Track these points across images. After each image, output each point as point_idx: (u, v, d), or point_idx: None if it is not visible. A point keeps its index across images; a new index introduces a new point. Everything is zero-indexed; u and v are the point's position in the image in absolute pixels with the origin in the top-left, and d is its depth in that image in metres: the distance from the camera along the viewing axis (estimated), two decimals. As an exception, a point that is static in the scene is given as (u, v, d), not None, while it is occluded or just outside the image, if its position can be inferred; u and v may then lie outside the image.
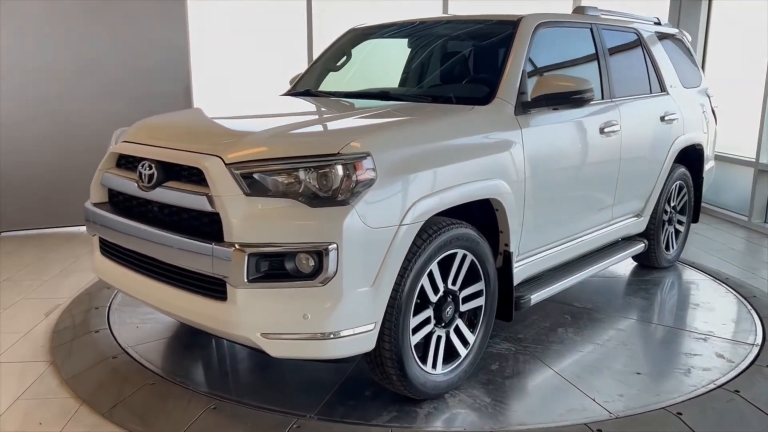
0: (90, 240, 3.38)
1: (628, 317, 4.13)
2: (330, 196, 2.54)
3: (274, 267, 2.55)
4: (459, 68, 3.91)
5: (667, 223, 5.04)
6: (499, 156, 3.16)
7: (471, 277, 3.09)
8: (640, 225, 4.68)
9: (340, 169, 2.54)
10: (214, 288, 2.65)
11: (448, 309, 2.99)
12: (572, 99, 3.29)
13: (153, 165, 2.83)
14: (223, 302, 2.61)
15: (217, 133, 3.03)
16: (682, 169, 5.03)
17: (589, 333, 3.84)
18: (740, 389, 3.14)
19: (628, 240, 4.68)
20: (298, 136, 2.88)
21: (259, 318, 2.57)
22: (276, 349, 2.60)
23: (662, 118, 4.62)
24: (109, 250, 3.20)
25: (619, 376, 3.28)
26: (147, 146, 2.96)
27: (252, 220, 2.53)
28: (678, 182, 5.02)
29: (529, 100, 3.34)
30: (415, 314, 2.84)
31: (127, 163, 3.10)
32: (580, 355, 3.53)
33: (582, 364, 3.41)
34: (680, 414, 2.89)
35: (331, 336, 2.56)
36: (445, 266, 2.94)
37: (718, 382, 3.22)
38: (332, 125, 3.00)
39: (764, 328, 3.93)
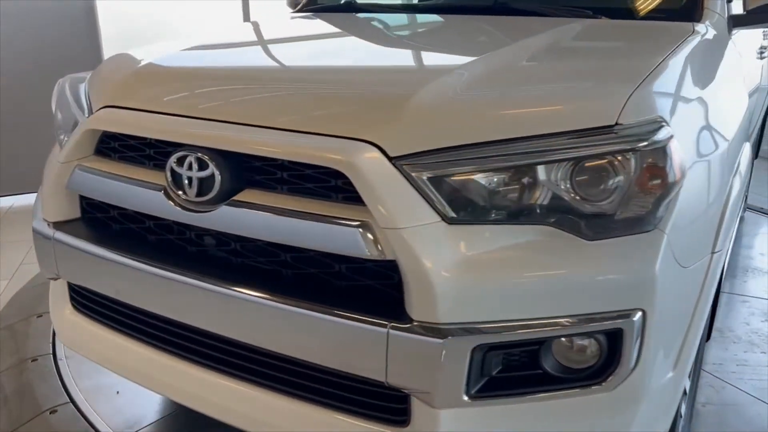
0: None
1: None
2: (607, 214, 1.27)
3: (513, 366, 1.28)
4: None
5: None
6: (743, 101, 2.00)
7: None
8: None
9: (633, 161, 1.27)
10: (378, 404, 1.35)
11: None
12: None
13: (208, 159, 1.40)
14: (401, 429, 1.33)
15: (343, 86, 1.55)
16: (764, 96, 4.11)
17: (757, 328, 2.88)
18: None
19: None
20: (512, 90, 1.46)
21: (484, 460, 1.31)
22: None
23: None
24: (101, 311, 1.75)
25: None
26: (184, 119, 1.50)
27: (469, 276, 1.22)
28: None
29: (744, 12, 2.17)
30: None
31: (124, 147, 1.62)
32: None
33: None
34: None
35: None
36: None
37: None
38: (542, 66, 1.61)
39: None
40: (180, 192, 1.44)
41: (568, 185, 1.27)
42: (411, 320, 1.24)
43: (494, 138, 1.28)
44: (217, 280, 1.41)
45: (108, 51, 4.60)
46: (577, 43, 1.85)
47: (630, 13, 2.17)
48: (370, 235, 1.25)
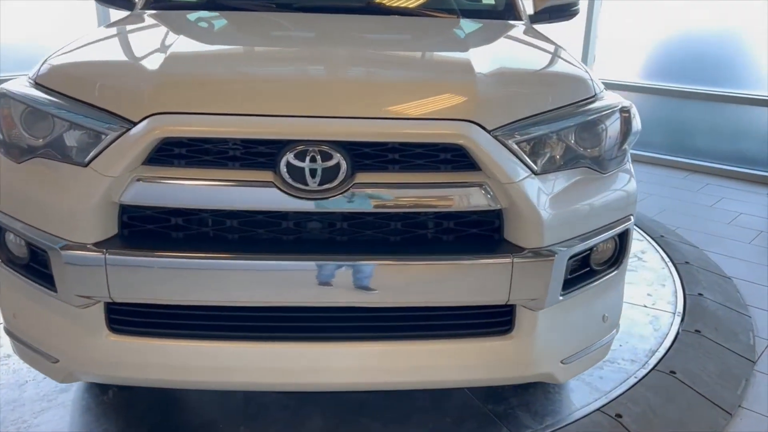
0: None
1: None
2: (602, 157, 1.85)
3: (579, 267, 1.83)
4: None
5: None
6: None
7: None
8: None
9: (617, 118, 1.87)
10: (486, 323, 1.75)
11: None
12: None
13: (332, 151, 1.59)
14: (503, 338, 1.76)
15: (400, 75, 1.90)
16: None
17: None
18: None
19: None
20: (529, 77, 1.99)
21: (562, 340, 1.84)
22: (569, 374, 1.93)
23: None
24: (150, 324, 1.71)
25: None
26: (291, 119, 1.60)
27: (555, 209, 1.70)
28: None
29: (533, 13, 2.99)
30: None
31: (193, 153, 1.62)
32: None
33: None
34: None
35: (616, 330, 2.02)
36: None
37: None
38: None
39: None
40: (299, 184, 1.57)
41: (571, 140, 1.80)
42: (521, 249, 1.66)
43: (539, 111, 1.76)
44: (354, 256, 1.61)
45: None
46: (509, 37, 2.42)
47: (480, 14, 2.81)
48: (489, 191, 1.63)
